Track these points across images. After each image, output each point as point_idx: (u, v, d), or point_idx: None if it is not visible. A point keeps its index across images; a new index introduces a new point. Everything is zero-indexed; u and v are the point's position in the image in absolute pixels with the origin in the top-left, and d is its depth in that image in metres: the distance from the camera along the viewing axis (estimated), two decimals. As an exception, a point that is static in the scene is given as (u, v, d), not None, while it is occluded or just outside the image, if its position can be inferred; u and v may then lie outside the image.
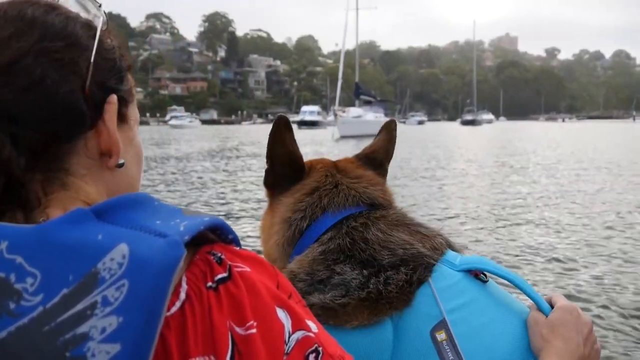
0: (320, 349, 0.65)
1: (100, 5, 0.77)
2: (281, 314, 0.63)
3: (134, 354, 0.52)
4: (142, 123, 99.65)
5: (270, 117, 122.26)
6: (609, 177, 13.40)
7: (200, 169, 16.18)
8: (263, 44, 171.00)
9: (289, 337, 0.63)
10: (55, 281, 0.55)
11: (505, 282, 1.10)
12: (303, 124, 63.59)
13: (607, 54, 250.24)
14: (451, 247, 1.15)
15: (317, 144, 31.35)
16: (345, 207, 1.17)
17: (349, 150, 25.33)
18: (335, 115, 41.67)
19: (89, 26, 0.71)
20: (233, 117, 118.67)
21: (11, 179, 0.62)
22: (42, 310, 0.54)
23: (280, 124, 1.17)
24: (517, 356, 1.01)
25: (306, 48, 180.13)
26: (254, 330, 0.60)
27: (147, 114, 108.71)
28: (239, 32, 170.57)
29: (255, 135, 43.77)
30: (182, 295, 0.59)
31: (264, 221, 1.27)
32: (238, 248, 0.66)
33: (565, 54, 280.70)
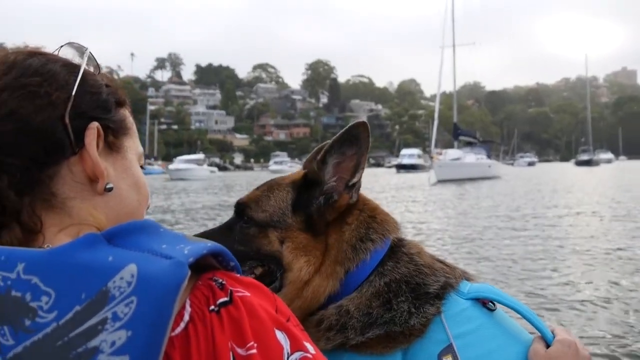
0: None
1: (86, 49, 0.86)
2: (280, 336, 0.67)
3: None
4: (246, 168, 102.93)
5: (371, 161, 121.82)
6: None
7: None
8: (364, 89, 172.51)
9: (287, 358, 0.66)
10: (68, 299, 0.60)
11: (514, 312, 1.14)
12: (401, 167, 62.14)
13: None
14: (467, 277, 1.21)
15: (413, 188, 29.71)
16: (392, 234, 1.23)
17: (447, 195, 23.72)
18: (431, 157, 39.23)
19: (71, 66, 0.81)
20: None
21: (2, 200, 0.71)
22: (55, 326, 0.59)
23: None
24: None
25: (408, 91, 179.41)
26: (254, 351, 0.63)
27: (252, 160, 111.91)
28: (341, 79, 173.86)
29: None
30: (186, 317, 0.63)
31: (305, 250, 1.21)
32: (239, 275, 0.71)
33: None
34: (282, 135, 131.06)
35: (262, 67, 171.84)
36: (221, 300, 0.65)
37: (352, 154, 1.19)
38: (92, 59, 0.86)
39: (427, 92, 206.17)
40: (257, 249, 1.22)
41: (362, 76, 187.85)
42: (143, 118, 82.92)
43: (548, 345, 1.12)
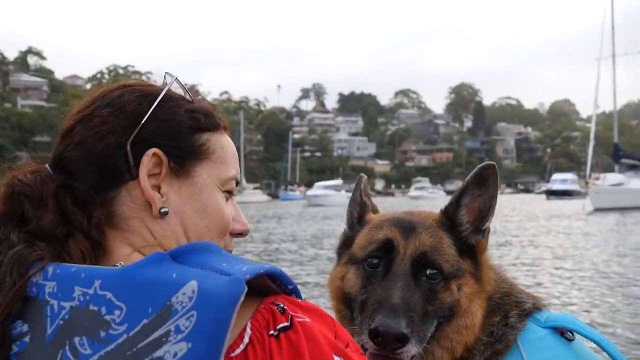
0: None
1: (170, 75, 0.93)
2: None
3: None
4: (387, 194, 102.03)
5: (520, 186, 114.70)
6: None
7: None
8: (512, 112, 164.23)
9: None
10: (137, 313, 0.67)
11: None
12: (552, 193, 56.46)
13: None
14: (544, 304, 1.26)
15: (564, 217, 26.56)
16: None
17: (605, 226, 20.17)
18: (587, 183, 34.35)
19: (148, 95, 0.89)
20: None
21: (69, 216, 0.82)
22: (126, 337, 0.66)
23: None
24: None
25: (561, 112, 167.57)
26: None
27: (393, 186, 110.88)
28: (487, 101, 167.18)
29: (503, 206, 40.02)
30: (246, 339, 0.67)
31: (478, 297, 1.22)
32: (299, 300, 0.74)
33: None
34: (424, 161, 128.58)
35: (404, 92, 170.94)
36: (281, 325, 0.68)
37: (478, 194, 1.19)
38: (183, 87, 0.94)
39: (583, 113, 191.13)
40: (440, 304, 1.19)
41: (509, 98, 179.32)
42: (287, 146, 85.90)
43: None
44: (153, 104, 0.87)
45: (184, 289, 0.66)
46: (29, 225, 0.81)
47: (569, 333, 1.14)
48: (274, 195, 76.09)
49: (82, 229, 0.82)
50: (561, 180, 59.97)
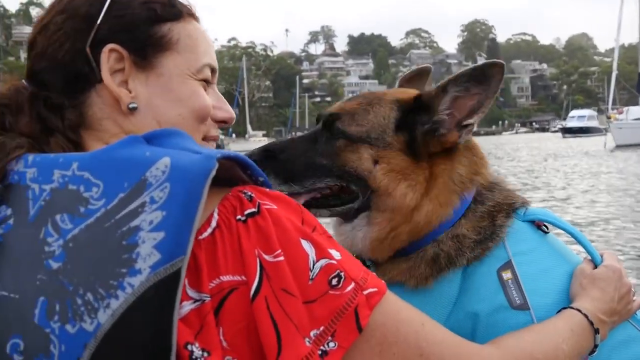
0: (342, 274, 0.74)
1: None
2: (305, 245, 0.74)
3: (174, 240, 0.67)
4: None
5: (535, 125, 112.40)
6: None
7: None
8: (527, 48, 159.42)
9: (313, 265, 0.73)
10: (114, 188, 0.72)
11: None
12: (567, 131, 53.38)
13: None
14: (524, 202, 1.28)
15: (584, 155, 25.14)
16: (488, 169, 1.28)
17: (630, 166, 18.51)
18: (608, 118, 32.18)
19: None
20: (494, 127, 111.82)
21: (46, 122, 0.87)
22: (104, 211, 0.71)
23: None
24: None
25: (578, 47, 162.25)
26: (281, 258, 0.71)
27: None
28: (501, 38, 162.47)
29: (516, 144, 38.81)
30: (214, 224, 0.71)
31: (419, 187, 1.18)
32: (267, 189, 0.77)
33: None
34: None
35: (415, 32, 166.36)
36: (249, 211, 0.72)
37: (476, 92, 1.14)
38: None
39: (601, 47, 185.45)
40: (341, 164, 1.17)
41: (524, 34, 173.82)
42: (296, 91, 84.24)
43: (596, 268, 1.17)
44: (105, 2, 0.89)
45: (157, 165, 0.71)
46: (11, 132, 0.86)
47: (544, 226, 1.20)
48: (284, 142, 74.88)
49: (58, 130, 0.87)
50: (578, 116, 57.24)
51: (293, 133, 75.82)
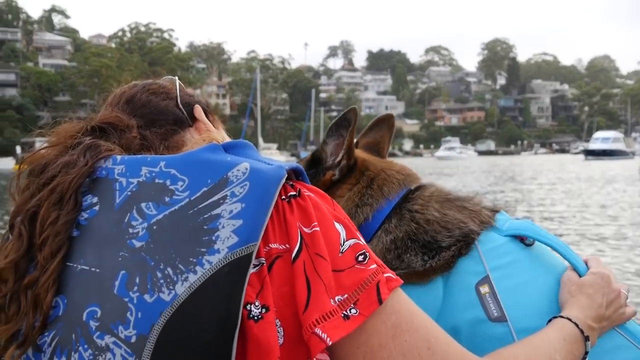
0: (367, 253, 0.83)
1: (175, 78, 1.17)
2: (338, 226, 0.83)
3: (250, 228, 0.76)
4: (415, 155, 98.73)
5: (555, 146, 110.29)
6: None
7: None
8: (548, 68, 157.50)
9: (343, 242, 0.82)
10: (198, 183, 0.81)
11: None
12: (590, 153, 51.13)
13: None
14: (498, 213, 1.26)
15: (610, 181, 23.43)
16: (398, 192, 1.28)
17: None
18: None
19: (171, 84, 1.15)
20: (512, 147, 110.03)
21: (155, 151, 1.00)
22: (188, 201, 0.79)
23: (352, 116, 1.27)
24: (554, 311, 1.10)
25: (600, 69, 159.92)
26: (317, 229, 0.80)
27: (421, 146, 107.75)
28: (521, 58, 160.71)
29: (537, 167, 37.40)
30: None
31: None
32: (308, 184, 0.88)
33: None
34: (454, 120, 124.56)
35: (435, 49, 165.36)
36: (291, 193, 0.83)
37: (344, 134, 1.29)
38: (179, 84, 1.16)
39: (624, 69, 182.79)
40: None
41: (545, 54, 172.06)
42: (314, 105, 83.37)
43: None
44: (177, 84, 1.15)
45: (238, 167, 0.81)
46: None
47: (528, 240, 1.21)
48: (298, 155, 74.21)
49: (155, 148, 0.99)
50: (603, 138, 55.01)
51: (304, 147, 74.87)
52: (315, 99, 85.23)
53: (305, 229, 0.80)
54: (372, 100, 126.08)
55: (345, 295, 0.78)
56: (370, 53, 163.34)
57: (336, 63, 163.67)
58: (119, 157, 0.89)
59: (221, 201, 0.78)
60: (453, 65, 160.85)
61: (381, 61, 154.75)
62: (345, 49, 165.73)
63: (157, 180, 0.83)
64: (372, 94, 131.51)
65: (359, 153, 1.37)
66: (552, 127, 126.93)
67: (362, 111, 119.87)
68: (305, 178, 0.89)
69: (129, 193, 0.83)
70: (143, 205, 0.81)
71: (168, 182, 0.82)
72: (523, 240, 1.20)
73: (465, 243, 1.17)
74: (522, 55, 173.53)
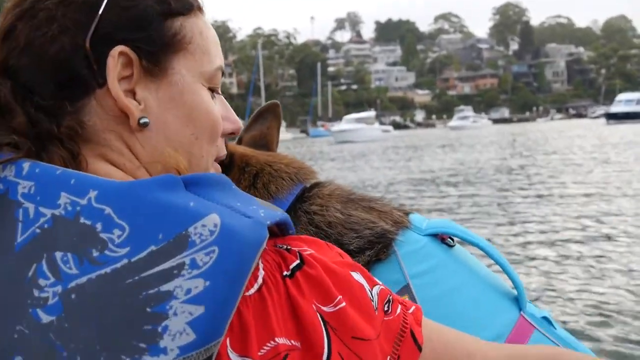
0: (390, 297, 0.69)
1: None
2: (356, 276, 0.66)
3: (216, 317, 0.53)
4: (428, 126, 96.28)
5: (571, 111, 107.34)
6: None
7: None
8: (562, 31, 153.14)
9: (371, 294, 0.66)
10: (143, 237, 0.56)
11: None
12: (613, 117, 48.60)
13: None
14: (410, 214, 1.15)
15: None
16: (289, 191, 1.10)
17: None
18: None
19: None
20: (527, 113, 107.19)
21: (37, 127, 0.66)
22: (126, 262, 0.55)
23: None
24: (483, 322, 0.99)
25: (617, 29, 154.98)
26: (343, 304, 0.62)
27: (434, 117, 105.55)
28: (534, 22, 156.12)
29: (553, 134, 35.41)
30: (260, 280, 0.59)
31: None
32: (293, 235, 0.68)
33: None
34: (466, 89, 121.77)
35: (445, 17, 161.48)
36: (294, 264, 0.62)
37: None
38: None
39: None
40: None
41: (559, 16, 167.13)
42: (322, 80, 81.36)
43: (515, 296, 1.06)
44: None
45: (204, 221, 0.57)
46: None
47: (449, 239, 1.08)
48: (307, 132, 72.23)
49: (55, 137, 0.67)
50: (626, 100, 51.66)
51: (312, 123, 72.63)
52: (323, 74, 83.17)
53: (325, 309, 0.61)
54: (382, 72, 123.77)
55: (388, 358, 0.65)
56: (378, 24, 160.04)
57: (344, 36, 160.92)
58: (26, 165, 0.62)
59: (175, 271, 0.55)
60: (464, 32, 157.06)
61: (390, 32, 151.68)
62: (352, 21, 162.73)
63: (82, 220, 0.58)
64: (381, 65, 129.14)
65: (236, 147, 1.16)
66: (567, 92, 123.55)
67: (372, 84, 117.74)
68: (290, 226, 0.66)
69: (38, 231, 0.59)
70: (58, 255, 0.57)
71: (99, 227, 0.57)
72: (444, 239, 1.09)
73: (383, 246, 1.03)
74: (535, 18, 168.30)
